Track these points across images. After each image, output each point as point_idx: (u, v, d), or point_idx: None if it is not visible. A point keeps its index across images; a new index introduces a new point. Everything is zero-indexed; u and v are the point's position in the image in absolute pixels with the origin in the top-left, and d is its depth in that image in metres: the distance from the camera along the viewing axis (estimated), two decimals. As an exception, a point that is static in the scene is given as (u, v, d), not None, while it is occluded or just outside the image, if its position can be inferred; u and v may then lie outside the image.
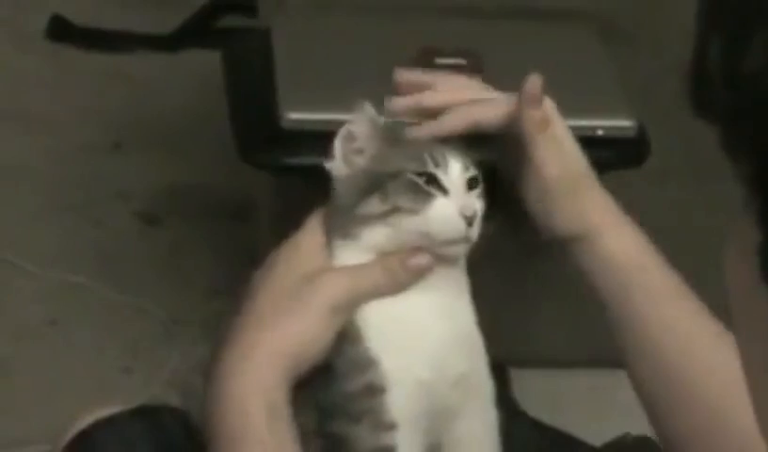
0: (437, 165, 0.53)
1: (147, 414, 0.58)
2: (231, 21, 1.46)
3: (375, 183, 0.53)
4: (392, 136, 0.55)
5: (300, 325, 0.51)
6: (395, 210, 0.52)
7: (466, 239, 0.52)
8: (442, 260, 0.53)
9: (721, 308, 0.40)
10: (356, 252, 0.53)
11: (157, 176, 1.30)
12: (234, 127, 0.90)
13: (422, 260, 0.52)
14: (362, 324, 0.52)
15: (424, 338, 0.52)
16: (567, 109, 0.91)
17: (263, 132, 0.87)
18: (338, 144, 0.55)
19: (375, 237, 0.53)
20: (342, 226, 0.53)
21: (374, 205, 0.53)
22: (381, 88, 0.90)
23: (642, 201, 1.17)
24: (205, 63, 1.14)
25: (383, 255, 0.53)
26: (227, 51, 0.99)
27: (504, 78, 0.93)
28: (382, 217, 0.53)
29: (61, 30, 1.48)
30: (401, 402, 0.51)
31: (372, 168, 0.54)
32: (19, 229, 1.24)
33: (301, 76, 0.89)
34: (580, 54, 0.97)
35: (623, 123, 0.89)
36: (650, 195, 1.16)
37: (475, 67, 0.92)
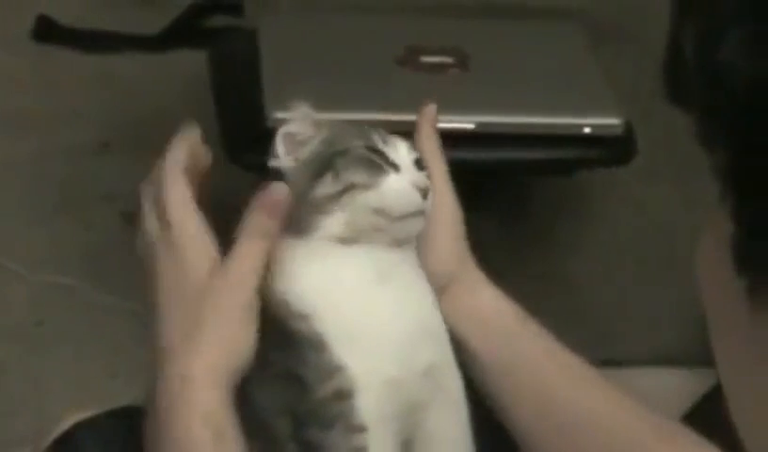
0: (385, 143, 0.54)
1: (129, 416, 0.58)
2: (217, 21, 1.46)
3: (325, 163, 0.53)
4: (333, 123, 0.56)
5: (225, 337, 0.50)
6: (349, 188, 0.52)
7: (422, 212, 0.53)
8: (401, 242, 0.53)
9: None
10: (306, 250, 0.53)
11: (145, 177, 1.29)
12: (221, 127, 0.90)
13: (273, 193, 0.52)
14: (323, 330, 0.51)
15: (386, 335, 0.52)
16: (554, 107, 0.92)
17: (249, 132, 0.87)
18: (279, 144, 0.55)
19: (332, 227, 0.52)
20: (297, 219, 0.53)
21: (327, 185, 0.53)
22: (367, 87, 0.90)
23: (629, 198, 1.18)
24: (192, 63, 1.14)
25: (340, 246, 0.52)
26: (213, 51, 0.99)
27: (490, 76, 0.94)
28: (337, 197, 0.52)
29: (47, 31, 1.47)
30: (370, 404, 0.51)
31: (321, 150, 0.54)
32: (5, 230, 1.23)
33: (288, 76, 0.89)
34: (567, 52, 0.97)
35: (610, 121, 0.90)
36: (638, 193, 1.17)
37: (461, 65, 0.93)
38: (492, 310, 0.55)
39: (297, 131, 0.55)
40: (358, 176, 0.52)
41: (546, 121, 0.90)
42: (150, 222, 0.54)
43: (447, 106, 0.88)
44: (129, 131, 1.35)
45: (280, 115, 0.83)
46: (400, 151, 0.54)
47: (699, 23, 0.32)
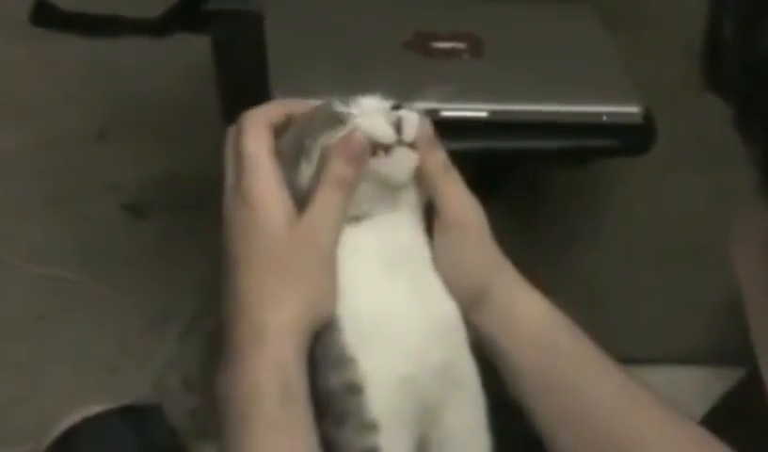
0: (347, 105, 0.53)
1: (132, 415, 0.58)
2: (221, 4, 1.45)
3: (297, 150, 0.53)
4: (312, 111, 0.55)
5: (302, 289, 0.49)
6: (323, 153, 0.52)
7: (399, 142, 0.52)
8: (393, 187, 0.52)
9: (728, 306, 0.41)
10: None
11: (144, 166, 1.30)
12: (225, 115, 0.90)
13: (352, 139, 0.52)
14: (339, 315, 0.51)
15: (399, 329, 0.52)
16: (570, 95, 0.92)
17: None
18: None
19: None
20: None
21: (304, 170, 0.53)
22: (376, 74, 0.90)
23: (649, 190, 1.18)
24: (194, 48, 1.14)
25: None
26: (217, 35, 0.99)
27: (504, 62, 0.94)
28: (318, 172, 0.52)
29: (45, 15, 1.47)
30: (382, 401, 0.50)
31: (291, 141, 0.54)
32: (2, 223, 1.24)
33: (294, 61, 0.89)
34: (584, 37, 0.97)
35: (629, 109, 0.90)
36: (658, 184, 1.16)
37: (475, 51, 0.92)
38: (537, 322, 0.54)
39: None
40: (325, 138, 0.52)
41: (562, 109, 0.89)
42: (228, 171, 0.54)
43: (459, 94, 0.88)
44: (128, 118, 1.35)
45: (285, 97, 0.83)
46: (365, 104, 0.53)
47: (741, 7, 0.32)
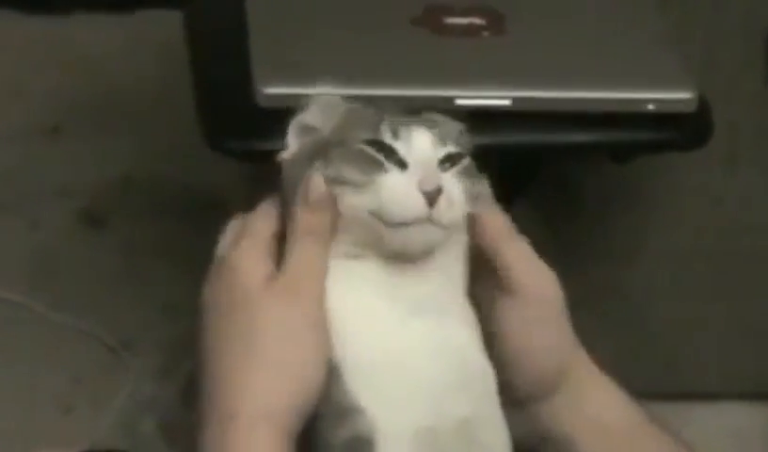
0: (395, 136, 0.54)
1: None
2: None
3: (319, 150, 0.54)
4: (354, 114, 0.56)
5: (282, 363, 0.49)
6: (338, 181, 0.53)
7: (429, 220, 0.52)
8: (405, 257, 0.53)
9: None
10: None
11: (105, 167, 1.30)
12: (200, 106, 0.90)
13: (310, 184, 0.52)
14: (340, 360, 0.51)
15: (414, 376, 0.52)
16: (608, 79, 0.91)
17: (234, 111, 0.88)
18: (292, 137, 0.56)
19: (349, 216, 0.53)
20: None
21: (317, 169, 0.53)
22: (379, 57, 0.90)
23: (703, 191, 1.18)
24: (164, 27, 1.14)
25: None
26: (190, 12, 1.00)
27: (529, 41, 0.94)
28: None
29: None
30: None
31: (316, 140, 0.55)
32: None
33: (281, 43, 0.89)
34: (626, 10, 0.97)
35: (680, 95, 0.90)
36: (714, 184, 1.16)
37: (495, 28, 0.92)
38: (613, 416, 0.54)
39: (313, 122, 0.56)
40: (349, 171, 0.53)
41: (598, 96, 0.89)
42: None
43: (477, 79, 0.88)
44: (86, 111, 1.35)
45: (271, 90, 0.84)
46: (416, 144, 0.53)
47: None
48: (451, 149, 0.54)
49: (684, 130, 0.91)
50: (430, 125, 0.55)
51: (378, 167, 0.53)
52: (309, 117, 0.56)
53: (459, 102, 0.81)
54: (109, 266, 1.23)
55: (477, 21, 0.92)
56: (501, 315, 0.54)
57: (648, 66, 0.91)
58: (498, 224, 0.55)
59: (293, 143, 0.56)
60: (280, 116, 0.88)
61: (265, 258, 0.53)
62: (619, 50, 0.93)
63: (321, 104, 0.56)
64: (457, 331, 0.54)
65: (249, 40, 0.89)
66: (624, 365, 1.00)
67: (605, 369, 0.56)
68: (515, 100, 0.87)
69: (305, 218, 0.53)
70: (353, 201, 0.53)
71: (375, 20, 0.93)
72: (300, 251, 0.52)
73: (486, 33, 0.92)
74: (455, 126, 0.57)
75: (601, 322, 1.16)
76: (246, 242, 0.53)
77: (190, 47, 0.94)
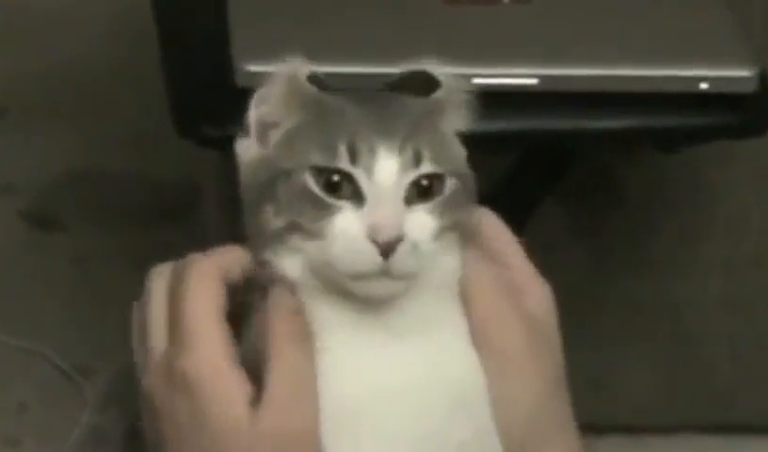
0: (354, 159, 0.52)
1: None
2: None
3: (267, 187, 0.54)
4: (316, 103, 0.55)
5: None
6: (289, 230, 0.53)
7: (385, 273, 0.52)
8: (374, 304, 0.53)
9: None
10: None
11: (55, 160, 1.30)
12: (169, 87, 0.90)
13: (279, 298, 0.53)
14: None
15: (399, 414, 0.52)
16: (653, 54, 0.92)
17: (210, 93, 0.88)
18: (252, 113, 0.56)
19: (291, 272, 0.53)
20: (252, 250, 0.54)
21: (269, 217, 0.53)
22: (379, 29, 0.90)
23: (766, 187, 1.18)
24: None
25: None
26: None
27: (561, 11, 0.94)
28: (282, 236, 0.53)
29: None
30: None
31: (268, 158, 0.55)
32: None
33: (265, 12, 0.89)
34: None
35: (738, 73, 0.90)
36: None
37: (519, -6, 0.93)
38: None
39: (272, 96, 0.56)
40: (301, 214, 0.53)
41: (641, 74, 0.89)
42: (155, 334, 0.55)
43: (498, 54, 0.88)
44: (33, 96, 1.35)
45: (254, 68, 0.83)
46: (379, 170, 0.52)
47: None
48: (427, 169, 0.53)
49: (743, 113, 0.90)
50: (406, 135, 0.53)
51: (329, 206, 0.52)
52: (271, 87, 0.56)
53: (477, 81, 0.80)
54: (60, 276, 1.23)
55: (497, -14, 0.92)
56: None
57: (700, 38, 0.91)
58: (469, 273, 0.55)
59: (252, 119, 0.56)
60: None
61: (237, 365, 0.53)
62: (665, 20, 0.93)
63: (282, 95, 0.56)
64: (447, 349, 0.54)
65: (227, 12, 0.89)
66: (670, 394, 1.00)
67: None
68: (542, 78, 0.87)
69: (280, 325, 0.53)
70: (308, 249, 0.53)
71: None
72: (283, 368, 0.52)
73: (508, 1, 0.92)
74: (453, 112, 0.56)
75: (643, 343, 1.15)
76: (205, 337, 0.53)
77: (158, 16, 0.94)
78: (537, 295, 0.57)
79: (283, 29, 0.87)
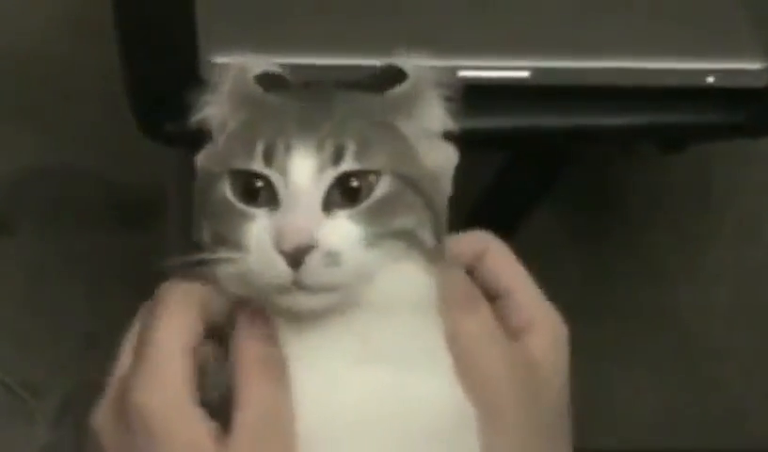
0: (269, 161, 0.52)
1: None
2: None
3: (206, 188, 0.54)
4: (258, 103, 0.55)
5: None
6: (218, 240, 0.52)
7: (298, 285, 0.51)
8: (292, 316, 0.53)
9: None
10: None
11: (7, 159, 1.30)
12: (129, 81, 0.90)
13: (254, 319, 0.53)
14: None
15: (377, 445, 0.52)
16: (656, 45, 0.91)
17: (173, 87, 0.87)
18: (201, 114, 0.56)
19: (232, 287, 0.53)
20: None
21: (203, 230, 0.53)
22: (353, 18, 0.90)
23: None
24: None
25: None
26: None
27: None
28: (211, 249, 0.52)
29: None
30: None
31: (208, 165, 0.55)
32: None
33: (231, 2, 0.89)
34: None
35: (748, 66, 0.90)
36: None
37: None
38: None
39: (224, 117, 0.55)
40: (216, 222, 0.53)
41: (643, 67, 0.89)
42: (122, 362, 0.54)
43: (486, 45, 0.87)
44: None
45: (221, 60, 0.83)
46: (292, 173, 0.51)
47: None
48: (349, 166, 0.52)
49: (753, 111, 0.91)
50: (328, 131, 0.52)
51: (244, 215, 0.52)
52: (213, 112, 0.55)
53: (463, 74, 0.81)
54: (12, 285, 1.23)
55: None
56: None
57: (706, 28, 0.91)
58: (447, 298, 0.55)
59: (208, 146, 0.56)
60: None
61: (193, 402, 0.52)
62: (670, 9, 0.93)
63: (227, 95, 0.55)
64: (427, 375, 0.54)
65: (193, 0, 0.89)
66: (676, 413, 0.99)
67: None
68: (534, 71, 0.87)
69: (251, 348, 0.53)
70: (234, 262, 0.52)
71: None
72: (250, 397, 0.52)
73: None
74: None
75: (648, 355, 1.16)
76: (167, 371, 0.52)
77: (118, 8, 0.94)
78: (544, 333, 0.56)
79: (251, 20, 0.86)
